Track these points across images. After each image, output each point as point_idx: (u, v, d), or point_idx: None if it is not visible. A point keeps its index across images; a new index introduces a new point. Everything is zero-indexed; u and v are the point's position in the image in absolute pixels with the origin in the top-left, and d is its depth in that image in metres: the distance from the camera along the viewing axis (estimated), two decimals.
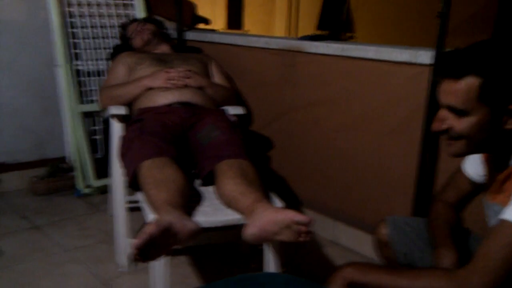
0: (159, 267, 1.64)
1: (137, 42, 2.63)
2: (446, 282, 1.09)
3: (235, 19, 8.08)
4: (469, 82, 1.09)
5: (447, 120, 1.15)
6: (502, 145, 1.16)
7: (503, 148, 1.17)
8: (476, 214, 1.48)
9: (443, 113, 1.16)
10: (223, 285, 0.74)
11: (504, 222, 1.07)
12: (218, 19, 7.69)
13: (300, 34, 2.75)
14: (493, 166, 1.25)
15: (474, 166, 1.38)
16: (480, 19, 6.17)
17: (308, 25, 6.92)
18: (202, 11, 3.74)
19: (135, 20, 2.81)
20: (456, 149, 1.18)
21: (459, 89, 1.10)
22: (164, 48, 2.63)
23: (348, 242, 2.47)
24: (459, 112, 1.12)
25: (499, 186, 1.17)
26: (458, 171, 1.45)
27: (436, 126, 1.17)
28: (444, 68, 1.14)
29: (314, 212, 2.59)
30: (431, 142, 2.04)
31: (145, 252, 1.35)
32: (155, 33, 2.66)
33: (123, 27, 2.76)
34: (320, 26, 6.67)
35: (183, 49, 2.73)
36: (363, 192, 2.37)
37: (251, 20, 8.17)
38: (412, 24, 6.02)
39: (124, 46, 2.73)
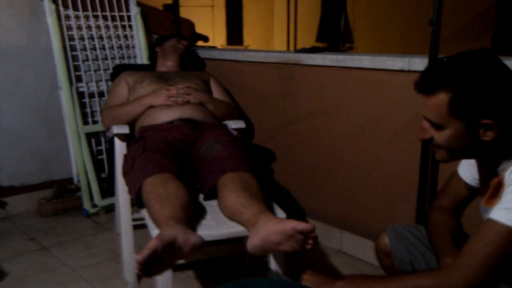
0: (163, 282, 1.66)
1: (170, 57, 2.68)
2: (431, 279, 1.12)
3: (235, 35, 8.17)
4: (440, 98, 1.12)
5: (429, 130, 1.20)
6: (486, 153, 1.19)
7: (488, 155, 1.19)
8: (474, 219, 1.50)
9: (424, 123, 1.21)
10: None
11: (490, 221, 1.10)
12: (218, 36, 7.78)
13: (299, 47, 2.78)
14: (485, 172, 1.27)
15: (470, 170, 1.39)
16: (479, 24, 6.20)
17: (307, 38, 6.99)
18: (202, 29, 3.81)
19: (173, 35, 2.84)
20: (440, 156, 1.23)
21: (432, 104, 1.15)
22: (172, 67, 2.67)
23: (354, 251, 2.47)
24: (435, 126, 1.17)
25: (495, 192, 1.19)
26: (454, 176, 1.45)
27: (420, 135, 1.23)
28: (417, 84, 1.17)
29: (319, 222, 2.60)
30: (431, 147, 2.06)
31: (149, 267, 1.37)
32: (184, 53, 2.74)
33: (160, 39, 2.80)
34: (318, 39, 6.75)
35: (186, 66, 2.77)
36: (367, 200, 2.38)
37: (250, 36, 8.26)
38: (411, 31, 6.07)
39: (124, 66, 2.77)
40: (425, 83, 1.15)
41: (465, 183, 1.41)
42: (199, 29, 3.63)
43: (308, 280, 1.27)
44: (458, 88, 1.10)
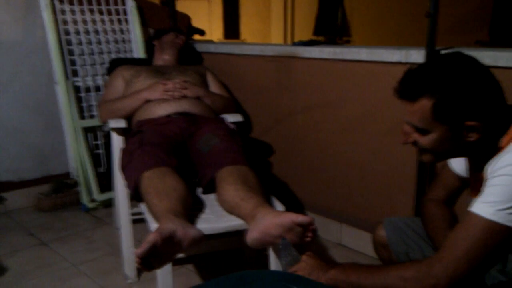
0: (163, 276, 1.66)
1: (168, 51, 2.67)
2: (413, 271, 1.13)
3: (231, 29, 8.14)
4: (423, 104, 1.13)
5: (412, 134, 1.21)
6: (472, 153, 1.20)
7: (474, 155, 1.20)
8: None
9: (407, 127, 1.21)
10: (215, 284, 0.76)
11: (470, 214, 1.11)
12: (215, 30, 7.76)
13: (296, 41, 2.78)
14: (473, 167, 1.28)
15: (460, 162, 1.40)
16: (476, 17, 6.20)
17: (304, 31, 6.97)
18: (198, 23, 3.78)
19: (172, 29, 2.83)
20: (426, 158, 1.24)
21: (415, 110, 1.15)
22: (169, 61, 2.66)
23: (353, 244, 2.48)
24: (420, 130, 1.18)
25: (483, 185, 1.19)
26: (445, 168, 1.47)
27: (403, 139, 1.23)
28: (398, 91, 1.18)
29: (318, 215, 2.60)
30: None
31: (149, 261, 1.37)
32: (182, 47, 2.73)
33: (158, 32, 2.79)
34: (316, 32, 6.73)
35: (183, 60, 2.76)
36: (366, 193, 2.38)
37: (247, 29, 8.24)
38: (408, 23, 6.05)
39: (120, 60, 2.76)
40: (407, 90, 1.16)
41: (456, 174, 1.43)
42: (195, 23, 3.61)
43: (306, 261, 1.30)
44: (440, 93, 1.11)
